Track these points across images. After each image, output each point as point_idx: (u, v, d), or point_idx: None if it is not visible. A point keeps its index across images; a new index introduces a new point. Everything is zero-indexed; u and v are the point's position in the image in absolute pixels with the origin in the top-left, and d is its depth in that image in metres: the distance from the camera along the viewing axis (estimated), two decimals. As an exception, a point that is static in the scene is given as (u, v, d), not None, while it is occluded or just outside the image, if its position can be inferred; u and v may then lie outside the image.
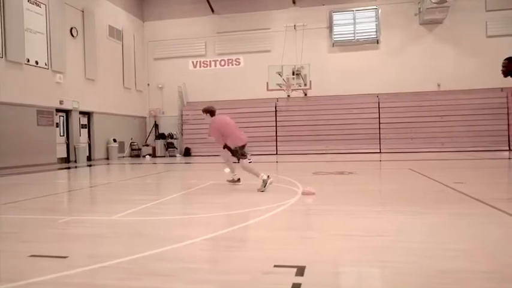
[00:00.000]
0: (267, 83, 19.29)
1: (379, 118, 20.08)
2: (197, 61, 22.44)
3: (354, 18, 21.03)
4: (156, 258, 3.12)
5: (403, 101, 19.96)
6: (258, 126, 20.92)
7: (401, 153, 18.59)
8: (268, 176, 7.14)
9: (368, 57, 20.72)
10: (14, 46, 13.83)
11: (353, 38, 21.03)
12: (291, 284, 2.53)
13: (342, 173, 9.91)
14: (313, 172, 10.19)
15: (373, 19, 20.85)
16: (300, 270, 2.75)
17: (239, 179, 8.04)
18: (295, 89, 19.67)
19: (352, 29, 21.04)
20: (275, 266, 2.86)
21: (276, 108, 21.10)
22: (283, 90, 19.38)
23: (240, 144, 7.41)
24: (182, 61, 22.41)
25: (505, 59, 6.33)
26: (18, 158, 13.73)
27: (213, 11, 21.99)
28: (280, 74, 18.94)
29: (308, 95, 21.06)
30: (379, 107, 20.12)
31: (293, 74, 19.23)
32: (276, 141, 21.01)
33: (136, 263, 3.00)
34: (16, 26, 13.95)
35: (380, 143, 19.94)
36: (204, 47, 22.36)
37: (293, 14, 21.34)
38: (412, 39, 20.40)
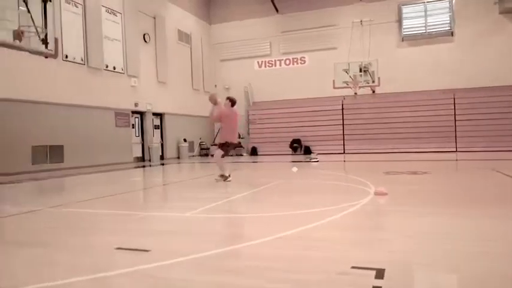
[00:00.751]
0: (333, 80, 18.87)
1: (454, 115, 18.92)
2: (262, 61, 22.61)
3: (425, 10, 20.00)
4: (230, 255, 3.17)
5: (481, 96, 18.64)
6: (325, 124, 20.62)
7: (482, 152, 17.36)
8: (228, 176, 8.17)
9: (441, 50, 19.61)
10: (94, 53, 14.83)
11: (424, 31, 20.01)
12: (371, 287, 2.45)
13: (415, 172, 9.47)
14: (384, 172, 9.84)
15: (447, 10, 19.69)
16: (380, 273, 2.65)
17: (229, 175, 8.45)
18: (362, 86, 19.06)
19: (423, 21, 20.03)
20: (352, 267, 2.78)
21: (342, 106, 20.67)
22: (350, 87, 18.88)
23: (230, 141, 8.38)
24: (248, 62, 22.70)
25: None
26: (99, 157, 14.71)
27: (277, 10, 22.03)
28: (346, 71, 18.46)
29: (376, 92, 20.35)
30: (454, 103, 18.96)
31: (360, 70, 18.62)
32: (343, 139, 20.57)
33: (211, 259, 3.07)
34: (96, 34, 14.95)
35: (456, 141, 18.79)
36: (269, 47, 22.47)
37: (360, 9, 20.76)
38: (491, 30, 18.97)
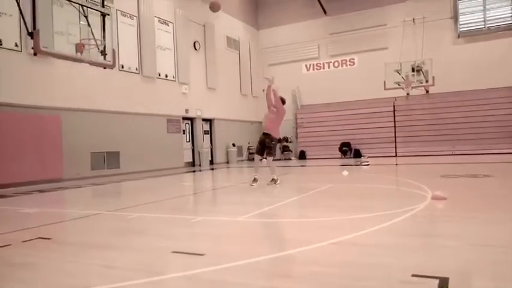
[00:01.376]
0: (384, 81, 18.45)
1: (517, 114, 17.81)
2: (310, 64, 22.47)
3: (484, 4, 19.04)
4: (284, 260, 3.14)
5: (547, 93, 17.41)
6: (376, 127, 20.12)
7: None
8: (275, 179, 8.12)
9: (502, 46, 18.54)
10: (148, 62, 15.40)
11: (483, 26, 19.04)
12: (435, 296, 2.33)
13: (475, 176, 8.98)
14: (441, 175, 9.42)
15: (509, 3, 18.60)
16: (443, 282, 2.52)
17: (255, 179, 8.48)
18: (415, 87, 18.46)
19: (482, 16, 19.07)
20: (413, 275, 2.66)
21: (394, 107, 20.08)
22: (402, 88, 18.33)
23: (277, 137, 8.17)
24: (295, 65, 22.65)
25: None
26: (152, 162, 15.22)
27: (325, 12, 21.83)
28: (398, 71, 17.96)
29: (430, 91, 19.62)
30: (516, 102, 17.85)
31: (413, 70, 18.07)
32: (395, 142, 19.95)
33: (266, 264, 3.06)
34: (149, 44, 15.52)
35: (519, 142, 17.66)
36: (317, 49, 22.30)
37: (411, 7, 20.11)
38: (557, 21, 17.70)
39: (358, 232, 4.00)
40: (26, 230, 4.75)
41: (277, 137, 8.16)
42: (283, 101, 8.66)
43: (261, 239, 3.95)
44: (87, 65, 10.06)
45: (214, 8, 7.90)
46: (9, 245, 3.97)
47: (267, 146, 8.08)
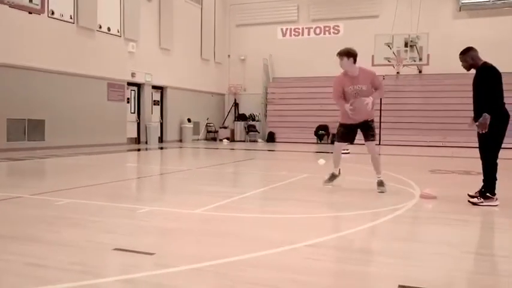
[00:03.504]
0: (373, 56, 18.68)
1: (519, 103, 18.59)
2: (287, 28, 22.41)
3: (491, -26, 19.57)
4: (255, 264, 3.16)
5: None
6: (358, 109, 20.39)
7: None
8: (339, 172, 7.09)
9: (508, 24, 19.17)
10: (86, 10, 14.84)
11: (488, 0, 19.59)
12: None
13: (468, 172, 9.35)
14: (430, 170, 9.75)
15: (518, -25, 19.23)
16: (435, 296, 2.62)
17: (340, 171, 7.36)
18: (407, 65, 18.86)
19: (488, -13, 19.62)
20: (400, 286, 2.75)
21: (381, 87, 20.41)
22: (392, 65, 18.66)
23: (347, 122, 6.91)
24: (269, 28, 22.51)
25: (460, 54, 5.84)
26: (87, 136, 14.85)
27: (308, -33, 21.74)
28: (389, 45, 18.25)
29: (424, 72, 20.10)
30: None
31: (406, 45, 18.45)
32: (380, 128, 20.33)
33: (227, 268, 3.06)
34: (89, -13, 14.96)
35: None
36: (296, 11, 22.25)
37: (409, -31, 20.36)
38: None
39: (336, 233, 4.08)
40: None
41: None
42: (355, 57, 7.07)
43: (221, 237, 3.96)
44: (6, 7, 9.61)
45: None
46: None
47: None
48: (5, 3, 8.99)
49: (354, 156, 13.49)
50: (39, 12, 9.75)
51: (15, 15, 11.32)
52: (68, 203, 5.23)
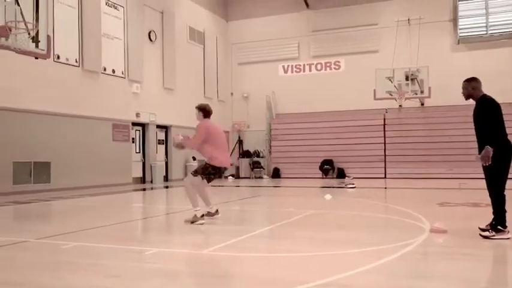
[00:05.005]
0: (374, 90, 18.82)
1: (522, 134, 18.55)
2: (288, 65, 22.67)
3: (486, 8, 19.88)
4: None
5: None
6: (363, 143, 20.42)
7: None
8: (203, 215, 6.81)
9: (506, 56, 19.35)
10: (91, 53, 15.07)
11: (485, 32, 19.85)
12: None
13: (477, 204, 9.22)
14: (438, 203, 9.64)
15: (513, 8, 19.53)
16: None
17: (217, 210, 7.25)
18: (409, 98, 18.95)
19: (484, 20, 19.90)
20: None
21: (384, 121, 20.49)
22: (394, 99, 18.76)
23: (222, 165, 7.05)
24: (271, 66, 22.77)
25: (464, 81, 5.87)
26: (93, 177, 14.80)
27: (307, 5, 22.16)
28: (390, 79, 18.37)
29: (426, 104, 20.17)
30: (522, 120, 18.60)
31: (407, 79, 18.56)
32: (385, 161, 20.32)
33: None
34: (93, 31, 15.22)
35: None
36: (296, 48, 22.54)
37: (406, 5, 20.73)
38: None
39: (348, 271, 3.97)
40: None
41: (214, 163, 6.90)
42: (207, 113, 7.43)
43: (230, 279, 3.87)
44: (13, 53, 9.74)
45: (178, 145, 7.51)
46: None
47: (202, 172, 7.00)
48: (12, 49, 9.11)
49: (359, 191, 13.40)
50: (45, 57, 9.89)
51: (22, 60, 11.47)
52: (74, 246, 5.16)
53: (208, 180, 6.97)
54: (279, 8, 22.69)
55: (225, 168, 7.25)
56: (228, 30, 23.89)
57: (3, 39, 8.71)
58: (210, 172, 6.90)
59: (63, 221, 7.87)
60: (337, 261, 4.57)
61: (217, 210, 7.20)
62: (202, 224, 6.71)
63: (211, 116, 7.45)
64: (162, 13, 18.97)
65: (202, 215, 6.86)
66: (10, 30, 8.76)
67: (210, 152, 6.96)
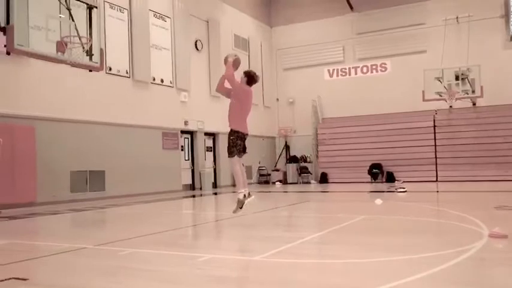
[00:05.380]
0: (423, 91, 18.45)
1: None
2: (334, 69, 22.52)
3: (542, 2, 19.07)
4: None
5: None
6: (412, 146, 19.99)
7: None
8: (245, 196, 7.05)
9: None
10: (141, 64, 15.50)
11: (541, 27, 19.05)
12: None
13: (538, 208, 8.83)
14: (495, 206, 9.26)
15: None
16: None
17: (249, 193, 7.37)
18: (460, 98, 18.43)
19: (539, 15, 19.09)
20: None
21: (434, 122, 19.98)
22: (444, 100, 18.30)
23: (241, 130, 7.16)
24: (316, 70, 22.69)
25: None
26: (144, 185, 15.18)
27: (352, 8, 21.96)
28: (440, 79, 17.96)
29: (478, 104, 19.56)
30: None
31: (457, 79, 18.13)
32: (436, 164, 19.79)
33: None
34: (142, 43, 15.65)
35: None
36: (341, 52, 22.37)
37: (455, 3, 20.19)
38: None
39: (404, 279, 3.86)
40: (-4, 268, 4.69)
41: (234, 128, 7.09)
42: (252, 78, 7.51)
43: (283, 285, 3.85)
44: (69, 66, 10.14)
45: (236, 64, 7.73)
46: (-23, 286, 3.90)
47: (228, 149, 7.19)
48: (67, 63, 9.49)
49: (410, 195, 13.08)
50: (99, 69, 10.25)
51: (76, 73, 11.93)
52: (130, 253, 5.28)
53: (243, 152, 7.15)
54: (322, 12, 22.60)
55: (247, 135, 7.30)
56: (272, 36, 24.00)
57: (59, 53, 9.07)
58: (238, 144, 7.09)
59: (118, 228, 8.10)
60: (392, 268, 4.46)
61: (249, 193, 7.36)
62: (252, 201, 7.14)
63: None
64: (207, 22, 19.29)
65: (244, 196, 7.12)
66: (66, 45, 9.13)
67: (234, 114, 7.22)
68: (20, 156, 11.44)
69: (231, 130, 7.18)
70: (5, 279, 4.12)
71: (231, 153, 7.12)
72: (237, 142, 7.10)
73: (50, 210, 10.80)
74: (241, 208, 7.17)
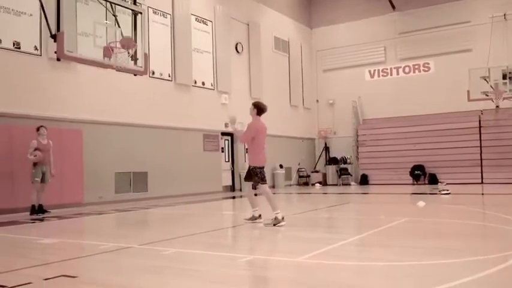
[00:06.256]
0: (468, 91, 17.93)
1: None
2: (375, 70, 22.21)
3: None
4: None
5: None
6: (456, 147, 19.48)
7: None
8: (283, 218, 7.38)
9: None
10: (183, 68, 15.77)
11: None
12: None
13: None
14: (544, 210, 8.95)
15: None
16: None
17: (260, 216, 7.92)
18: (507, 98, 17.82)
19: None
20: None
21: (480, 123, 19.40)
22: (490, 99, 17.74)
23: (260, 164, 7.71)
24: (356, 71, 22.45)
25: None
26: (186, 186, 15.41)
27: (393, 7, 21.59)
28: (486, 79, 17.41)
29: (526, 104, 18.86)
30: None
31: (504, 77, 17.53)
32: (481, 166, 19.20)
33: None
34: (184, 46, 15.91)
35: None
36: (383, 52, 22.04)
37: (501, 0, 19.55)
38: None
39: (447, 283, 3.81)
40: (47, 266, 4.91)
41: (256, 165, 7.68)
42: (261, 109, 8.07)
43: (331, 286, 3.87)
44: (114, 71, 10.45)
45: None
46: (30, 283, 4.09)
47: (249, 178, 7.96)
48: (113, 68, 9.79)
49: (454, 197, 12.78)
50: (143, 73, 10.50)
51: (121, 77, 12.28)
52: (173, 252, 5.41)
53: (262, 182, 7.75)
54: (363, 12, 22.33)
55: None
56: (313, 37, 23.91)
57: (106, 58, 9.37)
58: (263, 173, 7.74)
59: (161, 228, 8.29)
60: (435, 272, 4.40)
61: (260, 215, 7.92)
62: (282, 225, 7.33)
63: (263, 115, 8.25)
64: (248, 25, 19.41)
65: (283, 217, 7.45)
66: (112, 50, 9.42)
67: (255, 150, 7.81)
68: (68, 158, 11.86)
69: (260, 166, 7.73)
70: (55, 277, 4.32)
71: (264, 181, 7.75)
72: (264, 172, 7.79)
73: (96, 211, 11.16)
74: (274, 225, 7.41)
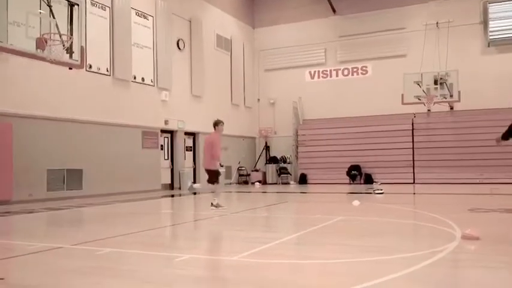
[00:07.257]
0: (402, 95, 18.63)
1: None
2: (315, 71, 22.65)
3: (518, 10, 19.46)
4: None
5: None
6: (390, 148, 20.23)
7: None
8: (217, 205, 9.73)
9: (539, 58, 18.91)
10: (122, 63, 15.39)
11: (516, 34, 19.45)
12: None
13: (510, 210, 9.03)
14: (469, 208, 9.46)
15: (546, 9, 19.08)
16: None
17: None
18: (438, 102, 18.68)
19: (515, 23, 19.50)
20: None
21: (413, 126, 20.25)
22: (422, 103, 18.53)
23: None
24: (297, 72, 22.81)
25: None
26: (122, 184, 15.06)
27: (334, 11, 22.13)
28: (419, 83, 18.15)
29: (455, 108, 19.87)
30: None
31: (435, 83, 18.32)
32: (414, 167, 20.06)
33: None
34: (124, 41, 15.54)
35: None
36: (323, 54, 22.51)
37: (435, 8, 20.49)
38: None
39: (378, 279, 3.95)
40: (-29, 266, 4.65)
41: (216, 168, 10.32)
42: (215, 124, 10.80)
43: (260, 285, 3.90)
44: (48, 63, 10.03)
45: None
46: (-49, 285, 3.87)
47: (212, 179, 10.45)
48: (47, 60, 9.40)
49: (388, 197, 13.26)
50: (79, 67, 10.17)
51: (55, 70, 11.80)
52: (107, 252, 5.27)
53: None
54: (305, 14, 22.72)
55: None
56: (255, 36, 24.05)
57: (39, 50, 8.97)
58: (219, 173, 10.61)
59: (96, 228, 8.05)
60: (367, 269, 4.55)
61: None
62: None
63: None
64: (190, 21, 19.24)
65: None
66: (46, 42, 9.04)
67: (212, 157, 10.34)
68: (-4, 154, 11.29)
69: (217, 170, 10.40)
70: (-20, 278, 4.09)
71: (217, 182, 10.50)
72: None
73: (26, 209, 10.67)
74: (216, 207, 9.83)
